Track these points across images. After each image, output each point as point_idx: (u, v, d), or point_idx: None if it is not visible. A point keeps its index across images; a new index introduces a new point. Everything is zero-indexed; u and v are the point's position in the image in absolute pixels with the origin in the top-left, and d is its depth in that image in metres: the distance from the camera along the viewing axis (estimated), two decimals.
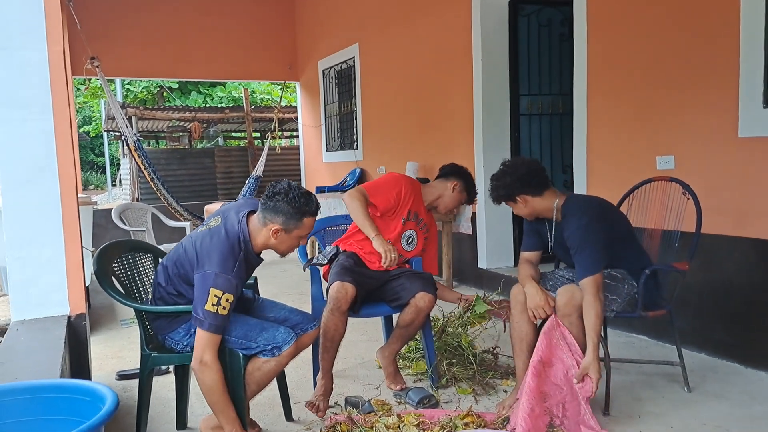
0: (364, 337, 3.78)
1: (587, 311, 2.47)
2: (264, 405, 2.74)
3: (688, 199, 2.91)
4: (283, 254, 2.37)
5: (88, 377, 2.57)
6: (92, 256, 3.39)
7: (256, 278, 2.72)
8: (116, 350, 3.80)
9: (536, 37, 5.26)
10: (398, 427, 2.41)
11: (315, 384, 2.82)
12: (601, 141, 3.98)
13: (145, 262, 2.64)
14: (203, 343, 2.13)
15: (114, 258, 2.48)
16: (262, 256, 2.38)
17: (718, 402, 2.74)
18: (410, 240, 3.09)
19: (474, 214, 5.25)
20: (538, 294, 2.58)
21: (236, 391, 2.23)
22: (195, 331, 2.25)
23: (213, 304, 2.10)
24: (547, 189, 2.66)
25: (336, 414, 2.60)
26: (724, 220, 3.22)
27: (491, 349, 3.30)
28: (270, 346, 2.19)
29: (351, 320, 2.80)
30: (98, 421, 1.33)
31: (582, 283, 2.49)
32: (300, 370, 3.17)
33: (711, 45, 3.26)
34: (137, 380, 2.43)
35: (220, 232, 2.24)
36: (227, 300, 2.13)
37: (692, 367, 3.06)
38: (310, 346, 2.69)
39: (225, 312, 2.13)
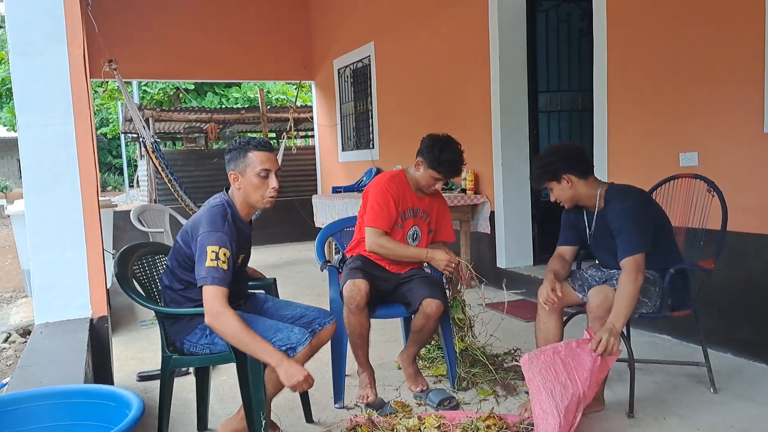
0: (383, 338, 3.76)
1: (621, 290, 2.43)
2: (284, 407, 2.74)
3: (713, 196, 2.85)
4: (259, 202, 2.32)
5: (110, 379, 2.59)
6: (113, 258, 3.41)
7: (275, 279, 2.73)
8: (136, 351, 3.83)
9: (555, 32, 5.21)
10: (419, 429, 2.39)
11: (335, 384, 2.83)
12: (622, 138, 3.92)
13: (164, 263, 2.64)
14: (211, 296, 2.13)
15: (134, 260, 2.50)
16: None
17: (745, 404, 2.68)
18: (415, 236, 3.00)
19: (492, 213, 5.21)
20: (544, 286, 2.59)
21: (257, 392, 2.22)
22: (211, 330, 2.26)
23: (212, 260, 2.14)
24: (591, 174, 2.65)
25: (356, 416, 2.59)
26: (750, 217, 3.15)
27: (512, 351, 3.27)
28: (285, 347, 2.19)
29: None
30: (125, 427, 1.33)
31: (623, 263, 2.46)
32: (319, 371, 3.15)
33: (735, 40, 3.20)
34: (158, 381, 2.44)
35: (205, 207, 2.34)
36: (224, 254, 2.16)
37: (718, 367, 3.01)
38: (329, 347, 2.69)
39: (225, 266, 2.16)
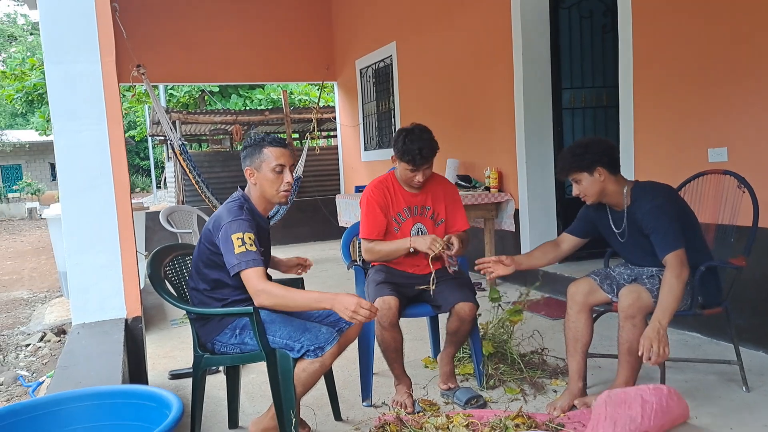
0: (409, 337, 3.77)
1: (667, 286, 2.39)
2: (313, 405, 2.78)
3: (744, 192, 2.81)
4: (275, 197, 2.39)
5: (145, 379, 2.65)
6: (145, 259, 3.49)
7: (302, 278, 2.76)
8: (168, 350, 3.90)
9: (578, 29, 5.16)
10: (447, 427, 2.40)
11: (362, 383, 2.86)
12: (648, 134, 3.87)
13: None
14: (250, 277, 2.20)
15: (166, 261, 2.55)
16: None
17: None
18: (420, 234, 2.94)
19: (517, 211, 5.19)
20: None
21: (287, 391, 2.26)
22: (241, 330, 2.31)
23: (239, 246, 2.21)
24: (619, 172, 2.62)
25: (384, 414, 2.61)
26: None
27: (539, 350, 3.26)
28: (313, 347, 2.21)
29: None
30: (167, 427, 1.36)
31: (666, 259, 2.44)
32: (347, 369, 3.20)
33: (764, 34, 3.14)
34: (189, 379, 2.49)
35: (224, 205, 2.40)
36: (249, 238, 2.24)
37: (750, 366, 2.96)
38: (356, 345, 2.72)
39: (254, 248, 2.23)
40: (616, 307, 2.65)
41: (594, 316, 2.76)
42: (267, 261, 2.53)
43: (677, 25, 3.62)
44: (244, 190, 2.46)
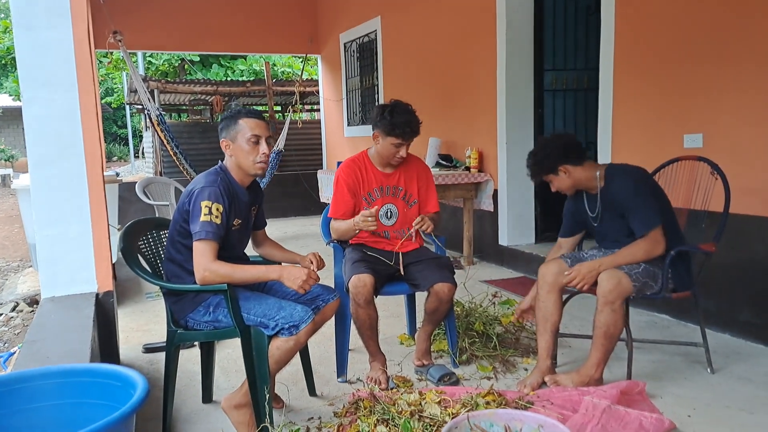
0: (385, 314, 3.80)
1: (632, 248, 2.58)
2: (287, 381, 2.79)
3: (717, 178, 2.84)
4: (251, 168, 2.37)
5: (116, 354, 2.63)
6: (118, 233, 3.44)
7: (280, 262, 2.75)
8: (142, 323, 3.88)
9: (562, 10, 5.14)
10: (420, 403, 2.43)
11: (338, 359, 2.88)
12: (627, 118, 3.89)
13: None
14: (201, 251, 2.21)
15: (139, 235, 2.52)
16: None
17: (742, 384, 2.72)
18: (389, 214, 2.97)
19: (495, 191, 5.21)
20: (526, 299, 2.91)
21: (261, 367, 2.26)
22: (215, 308, 2.30)
23: (205, 215, 2.21)
24: (585, 160, 2.70)
25: (359, 390, 2.64)
26: (754, 200, 3.15)
27: (512, 329, 3.31)
28: (288, 325, 2.21)
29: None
30: (131, 408, 1.35)
31: (648, 234, 2.56)
32: (323, 345, 3.22)
33: (745, 20, 3.15)
34: (163, 353, 2.48)
35: (201, 173, 2.40)
36: (218, 209, 2.24)
37: (716, 348, 3.04)
38: (333, 321, 2.73)
39: (218, 221, 2.23)
40: (588, 288, 2.69)
41: (566, 297, 2.80)
42: (246, 233, 2.52)
43: (659, 10, 3.62)
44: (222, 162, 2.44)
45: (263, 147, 2.37)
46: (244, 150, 2.35)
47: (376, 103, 7.28)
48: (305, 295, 2.45)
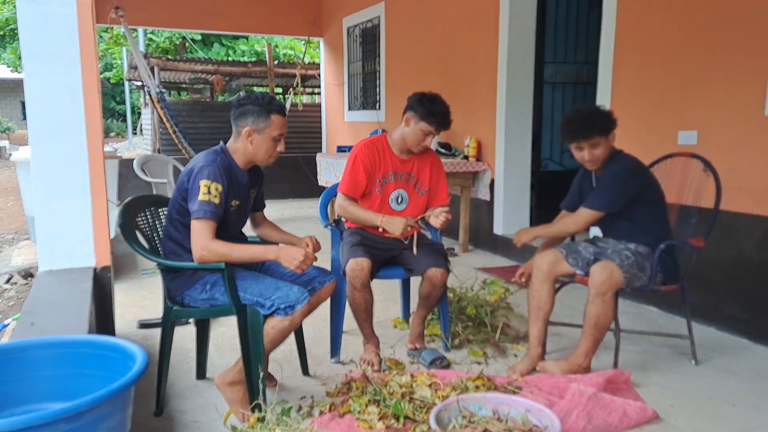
0: (380, 297, 3.82)
1: (561, 224, 2.79)
2: (281, 360, 2.83)
3: (709, 175, 2.88)
4: (263, 161, 2.42)
5: (112, 328, 2.66)
6: (117, 208, 3.46)
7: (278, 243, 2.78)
8: (138, 299, 3.91)
9: (565, 3, 5.14)
10: (411, 386, 2.48)
11: (332, 340, 2.92)
12: (624, 113, 3.90)
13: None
14: (199, 229, 2.22)
15: (138, 212, 2.53)
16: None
17: (725, 376, 2.77)
18: (400, 199, 2.99)
19: (493, 181, 5.24)
20: (526, 264, 2.93)
21: (256, 346, 2.30)
22: (212, 286, 2.32)
23: (204, 194, 2.22)
24: None
25: (351, 371, 2.68)
26: (744, 197, 3.19)
27: (501, 305, 3.37)
28: (284, 305, 2.24)
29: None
30: (131, 379, 1.38)
31: (581, 210, 2.70)
32: (317, 326, 3.26)
33: (744, 21, 3.17)
34: (158, 329, 2.50)
35: (202, 153, 2.40)
36: (216, 189, 2.24)
37: (701, 341, 3.09)
38: (328, 304, 2.76)
39: (217, 201, 2.24)
40: (579, 278, 2.74)
41: (557, 286, 2.85)
42: (245, 214, 2.53)
43: (660, 6, 3.63)
44: (226, 144, 2.43)
45: (281, 146, 2.41)
46: (266, 145, 2.37)
47: (378, 89, 7.28)
48: (302, 276, 2.48)
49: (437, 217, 2.81)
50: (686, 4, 3.49)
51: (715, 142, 3.33)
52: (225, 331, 3.26)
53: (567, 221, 2.80)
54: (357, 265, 2.71)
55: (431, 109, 2.84)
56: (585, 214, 2.70)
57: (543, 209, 5.15)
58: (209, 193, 2.22)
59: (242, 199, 2.44)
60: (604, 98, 4.03)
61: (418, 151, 2.95)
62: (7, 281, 4.82)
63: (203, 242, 2.21)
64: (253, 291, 2.29)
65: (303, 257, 2.22)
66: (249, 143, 2.37)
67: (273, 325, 2.28)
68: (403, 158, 2.98)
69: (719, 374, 2.80)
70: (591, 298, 2.59)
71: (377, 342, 2.91)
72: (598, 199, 2.67)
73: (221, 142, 2.44)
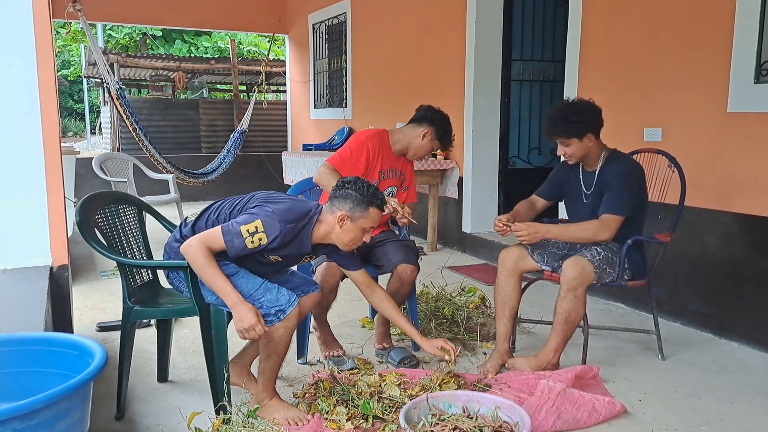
0: (348, 297, 3.79)
1: (582, 227, 2.62)
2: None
3: (674, 171, 2.93)
4: (345, 246, 2.29)
5: (70, 329, 2.56)
6: (74, 206, 3.33)
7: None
8: (96, 302, 3.79)
9: (531, 1, 5.18)
10: (380, 385, 2.44)
11: (298, 341, 2.86)
12: None
13: (128, 214, 2.59)
14: (209, 238, 2.11)
15: (97, 209, 2.42)
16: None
17: (690, 370, 2.82)
18: (391, 195, 3.00)
19: (461, 179, 5.25)
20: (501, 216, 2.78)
21: (220, 346, 2.23)
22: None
23: (248, 231, 2.09)
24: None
25: (318, 371, 2.64)
26: (708, 193, 3.26)
27: (474, 313, 3.35)
28: (274, 309, 2.17)
29: None
30: (89, 375, 1.32)
31: (603, 216, 2.59)
32: None
33: (706, 19, 3.24)
34: (117, 332, 2.43)
35: (292, 199, 2.28)
36: (260, 239, 2.10)
37: (667, 336, 3.14)
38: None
39: (251, 246, 2.11)
40: (548, 275, 2.75)
41: (525, 284, 2.85)
42: (280, 268, 2.38)
43: (625, 5, 3.68)
44: (321, 209, 2.26)
45: (368, 237, 2.29)
46: (354, 235, 2.23)
47: (345, 87, 7.22)
48: (286, 283, 2.39)
49: (404, 217, 2.80)
50: (650, 3, 3.54)
51: (680, 139, 3.39)
52: (188, 333, 3.18)
53: (589, 228, 2.60)
54: (329, 270, 2.71)
55: (449, 135, 3.02)
56: (613, 220, 2.58)
57: (511, 207, 5.14)
58: (253, 234, 2.09)
59: (289, 261, 2.35)
60: (570, 95, 4.06)
61: (416, 159, 3.10)
62: None
63: (202, 245, 2.10)
64: (241, 290, 2.18)
65: (249, 326, 2.07)
66: (339, 227, 2.22)
67: (269, 338, 2.20)
68: (397, 158, 3.06)
69: (685, 368, 2.85)
70: (562, 294, 2.60)
71: (329, 328, 2.92)
72: (619, 204, 2.59)
73: (319, 205, 2.28)
